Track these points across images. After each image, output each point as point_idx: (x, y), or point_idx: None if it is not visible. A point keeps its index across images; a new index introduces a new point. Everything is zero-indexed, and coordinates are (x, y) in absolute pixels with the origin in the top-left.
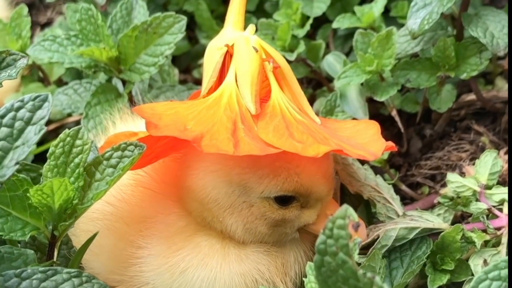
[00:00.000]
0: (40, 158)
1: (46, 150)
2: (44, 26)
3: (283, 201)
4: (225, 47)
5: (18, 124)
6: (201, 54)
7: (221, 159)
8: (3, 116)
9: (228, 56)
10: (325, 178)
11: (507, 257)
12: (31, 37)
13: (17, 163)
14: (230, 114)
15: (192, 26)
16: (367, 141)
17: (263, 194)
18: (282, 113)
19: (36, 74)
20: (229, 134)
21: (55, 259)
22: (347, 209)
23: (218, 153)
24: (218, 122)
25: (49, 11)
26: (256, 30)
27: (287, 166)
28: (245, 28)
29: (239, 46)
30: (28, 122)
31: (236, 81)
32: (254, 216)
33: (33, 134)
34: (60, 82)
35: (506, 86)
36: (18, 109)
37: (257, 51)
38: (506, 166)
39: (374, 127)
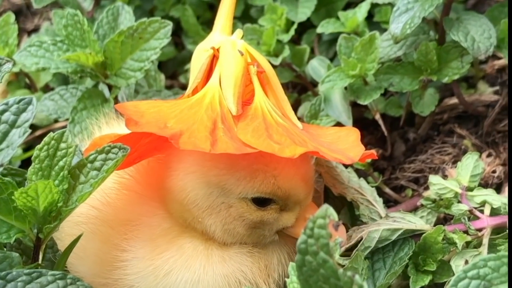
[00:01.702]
0: (27, 164)
1: (30, 156)
2: (31, 32)
3: (260, 202)
4: (211, 49)
5: (2, 127)
6: (187, 59)
7: (199, 160)
8: None
9: (214, 59)
10: (304, 181)
11: (486, 256)
12: (19, 44)
13: (1, 165)
14: (211, 114)
15: (178, 32)
16: (347, 146)
17: (240, 195)
18: (263, 116)
19: (23, 80)
20: (207, 133)
21: (40, 262)
22: (327, 209)
23: (197, 155)
24: (198, 121)
25: (36, 18)
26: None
27: (265, 169)
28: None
29: (225, 49)
30: (12, 125)
31: (220, 83)
32: (232, 217)
33: (17, 136)
34: (47, 88)
35: (489, 89)
36: (3, 112)
37: (242, 54)
38: (488, 168)
39: (355, 133)
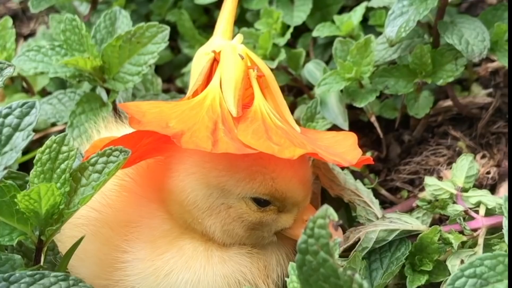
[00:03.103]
0: (24, 167)
1: (31, 160)
2: (27, 37)
3: (260, 202)
4: (212, 53)
5: (6, 130)
6: (183, 63)
7: (199, 162)
8: None
9: (215, 62)
10: (301, 183)
11: (482, 255)
12: (15, 49)
13: (5, 168)
14: (212, 115)
15: (174, 36)
16: (344, 150)
17: (239, 196)
18: (262, 118)
19: (19, 84)
20: (208, 133)
21: (41, 264)
22: (328, 209)
23: (197, 156)
24: (199, 121)
25: (32, 22)
26: None
27: (263, 171)
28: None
29: (225, 53)
30: (16, 128)
31: (220, 85)
32: (232, 218)
33: (21, 140)
34: (44, 92)
35: (482, 92)
36: (6, 115)
37: (242, 58)
38: (482, 169)
39: (352, 138)
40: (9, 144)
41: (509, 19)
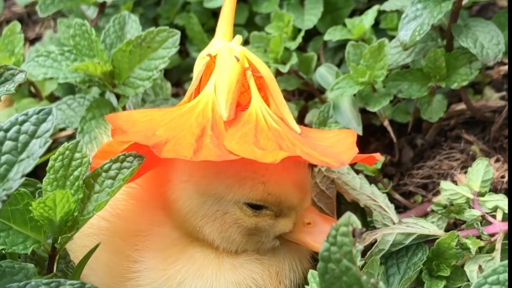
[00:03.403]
0: (31, 173)
1: (37, 166)
2: (33, 41)
3: (254, 206)
4: (208, 56)
5: (22, 138)
6: (192, 67)
7: (190, 170)
8: (7, 130)
9: (212, 66)
10: (296, 187)
11: (505, 262)
12: (23, 55)
13: (23, 176)
14: (201, 121)
15: (183, 40)
16: (342, 150)
17: (232, 201)
18: (256, 120)
19: (26, 89)
20: (193, 140)
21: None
22: (350, 216)
23: (188, 164)
24: (187, 128)
25: (37, 26)
26: (248, 43)
27: (253, 176)
28: None
29: (222, 55)
30: (32, 135)
31: (215, 90)
32: (228, 224)
33: (38, 147)
34: (52, 97)
35: (495, 95)
36: (22, 122)
37: (238, 60)
38: (496, 173)
39: (352, 136)
40: (25, 151)
41: (509, 19)
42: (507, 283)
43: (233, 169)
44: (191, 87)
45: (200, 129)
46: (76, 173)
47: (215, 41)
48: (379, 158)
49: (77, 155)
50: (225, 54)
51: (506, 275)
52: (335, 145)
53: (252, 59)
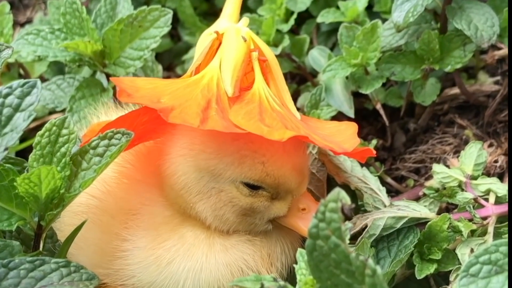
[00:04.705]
0: (22, 155)
1: (28, 148)
2: (23, 25)
3: (251, 186)
4: (215, 33)
5: (6, 111)
6: (183, 51)
7: (189, 144)
8: None
9: (217, 44)
10: (295, 170)
11: (497, 241)
12: (12, 36)
13: (6, 149)
14: (206, 94)
15: (174, 24)
16: (343, 139)
17: (230, 179)
18: (260, 101)
19: (16, 71)
20: (199, 110)
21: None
22: (339, 192)
23: (187, 138)
24: (192, 98)
25: (28, 10)
26: None
27: (253, 155)
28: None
29: (229, 34)
30: (16, 108)
31: (220, 67)
32: (223, 203)
33: (22, 120)
34: (41, 79)
35: (489, 80)
36: (6, 95)
37: (245, 40)
38: (489, 158)
39: (353, 128)
40: (9, 125)
41: (509, 9)
42: (499, 262)
43: (234, 146)
44: (195, 62)
45: (205, 101)
46: (63, 149)
47: (220, 21)
48: (374, 154)
49: (64, 131)
50: (232, 34)
51: (498, 255)
52: (335, 135)
53: (258, 42)
